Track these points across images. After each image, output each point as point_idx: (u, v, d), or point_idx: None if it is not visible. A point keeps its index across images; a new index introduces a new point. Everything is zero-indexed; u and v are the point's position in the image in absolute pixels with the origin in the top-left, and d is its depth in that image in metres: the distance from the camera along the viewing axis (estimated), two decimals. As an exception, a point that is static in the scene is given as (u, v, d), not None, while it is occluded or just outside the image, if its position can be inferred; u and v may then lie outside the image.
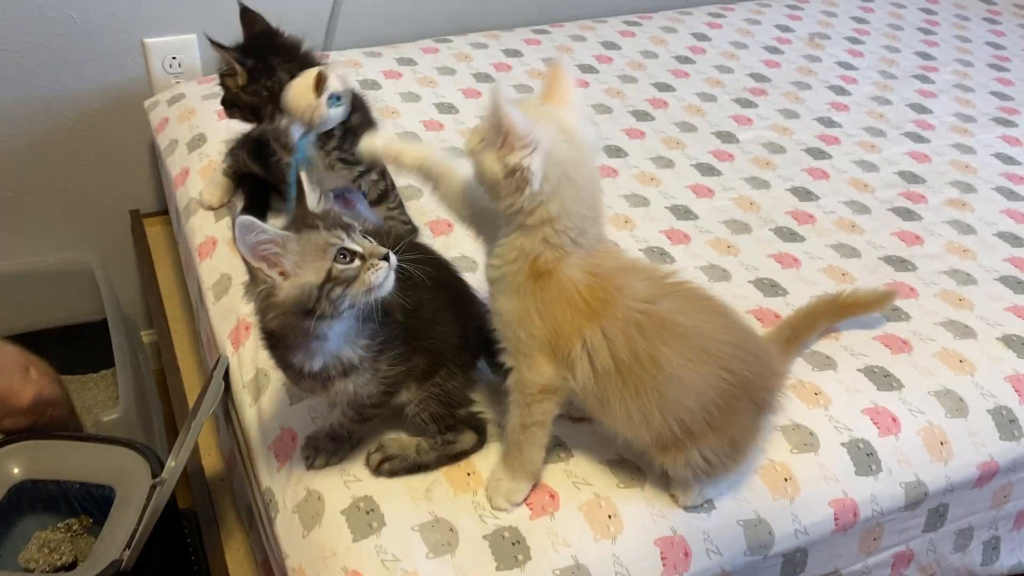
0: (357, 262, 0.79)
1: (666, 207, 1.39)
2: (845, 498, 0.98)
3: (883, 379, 1.08)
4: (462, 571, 0.86)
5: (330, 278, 0.78)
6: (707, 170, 1.49)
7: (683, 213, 1.38)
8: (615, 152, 1.53)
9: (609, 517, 0.91)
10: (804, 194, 1.44)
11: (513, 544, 0.88)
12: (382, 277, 0.80)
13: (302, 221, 0.82)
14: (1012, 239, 1.36)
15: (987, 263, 1.30)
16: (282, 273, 0.78)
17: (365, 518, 0.90)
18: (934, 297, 1.22)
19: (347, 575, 0.86)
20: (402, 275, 0.84)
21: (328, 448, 0.96)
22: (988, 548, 1.15)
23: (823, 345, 1.13)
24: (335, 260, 0.78)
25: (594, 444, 0.97)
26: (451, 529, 0.89)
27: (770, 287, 1.23)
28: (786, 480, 0.98)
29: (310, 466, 0.95)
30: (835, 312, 1.14)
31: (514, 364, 0.87)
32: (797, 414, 1.03)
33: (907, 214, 1.41)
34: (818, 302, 1.14)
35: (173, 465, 1.05)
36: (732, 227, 1.35)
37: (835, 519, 0.98)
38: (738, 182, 1.46)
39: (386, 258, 0.81)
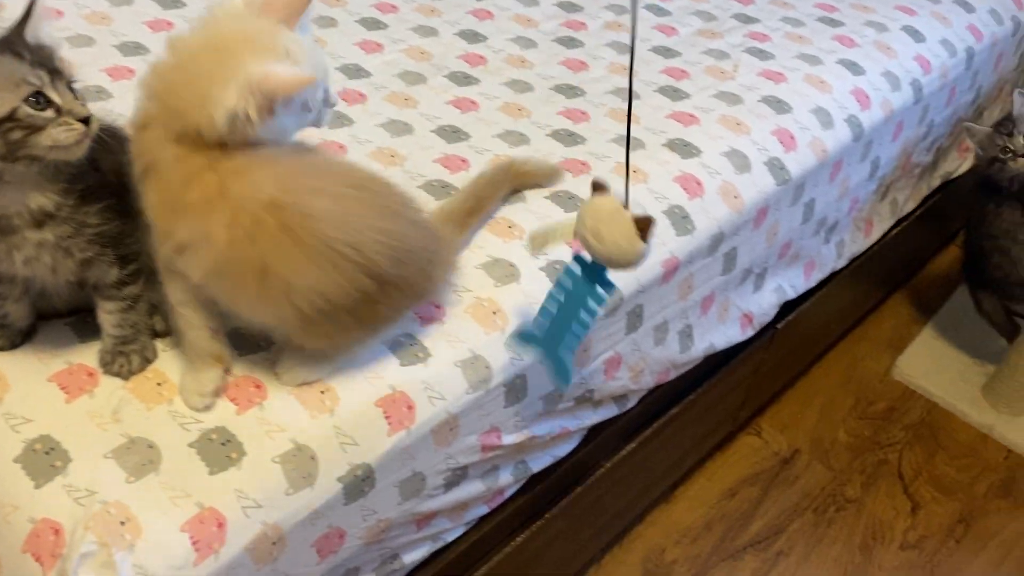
0: (51, 113, 0.70)
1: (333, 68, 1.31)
2: (551, 319, 1.02)
3: (568, 201, 1.12)
4: (171, 486, 0.79)
5: (12, 118, 0.69)
6: (372, 24, 1.42)
7: (354, 72, 1.31)
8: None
9: (322, 392, 0.88)
10: (472, 36, 1.43)
11: (223, 444, 0.82)
12: (72, 140, 0.72)
13: (9, 44, 0.71)
14: (664, 51, 1.45)
15: (647, 77, 1.38)
16: None
17: (45, 459, 0.78)
18: (604, 117, 1.27)
19: (36, 526, 0.75)
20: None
21: None
22: (683, 337, 1.26)
23: (511, 180, 1.14)
24: (26, 101, 0.69)
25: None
26: (150, 446, 0.81)
27: (452, 133, 1.21)
28: (495, 313, 0.99)
29: None
30: (511, 182, 1.10)
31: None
32: (494, 249, 1.04)
33: (571, 42, 1.45)
34: (495, 172, 1.08)
35: None
36: (407, 79, 1.31)
37: (545, 340, 1.01)
38: (406, 33, 1.41)
39: (86, 121, 0.72)
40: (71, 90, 0.74)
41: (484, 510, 1.13)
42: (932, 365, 2.04)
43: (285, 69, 0.75)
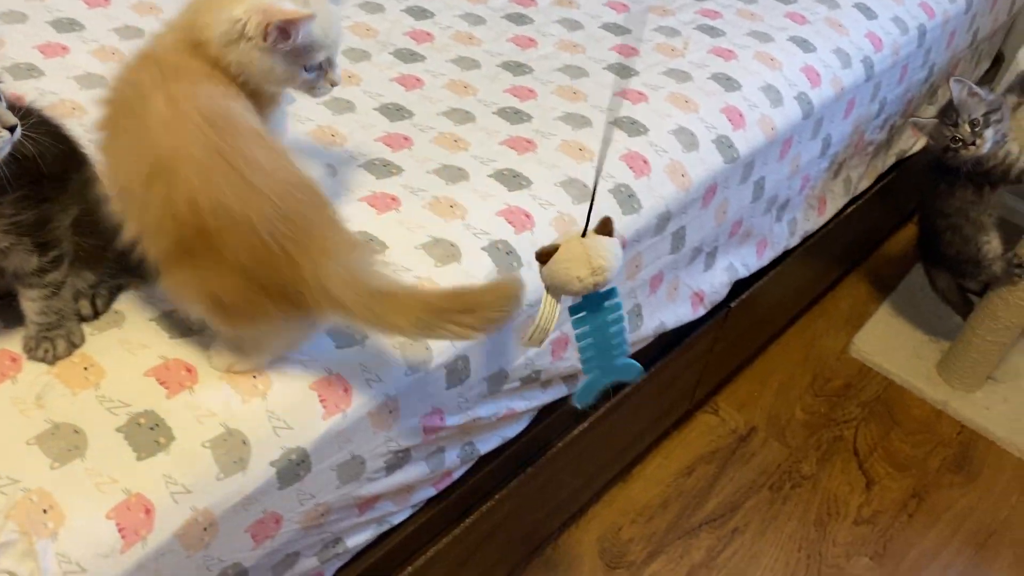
0: None
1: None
2: (493, 299, 1.01)
3: (513, 180, 1.11)
4: (97, 472, 0.77)
5: None
6: (318, 1, 1.39)
7: (297, 49, 1.28)
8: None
9: (255, 377, 0.86)
10: (419, 13, 1.40)
11: (152, 429, 0.80)
12: None
13: None
14: (615, 28, 1.43)
15: (596, 54, 1.36)
16: None
17: (-38, 448, 0.77)
18: (551, 95, 1.26)
19: (-46, 516, 0.74)
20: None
21: None
22: (632, 316, 1.26)
23: (455, 158, 1.12)
24: None
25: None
26: (76, 431, 0.79)
27: (395, 111, 1.19)
28: (434, 295, 0.97)
29: None
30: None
31: None
32: (435, 229, 1.03)
33: (520, 19, 1.43)
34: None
35: None
36: (351, 55, 1.28)
37: (487, 321, 1.00)
38: (352, 9, 1.39)
39: (11, 129, 0.72)
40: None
41: (431, 492, 1.12)
42: (888, 342, 2.06)
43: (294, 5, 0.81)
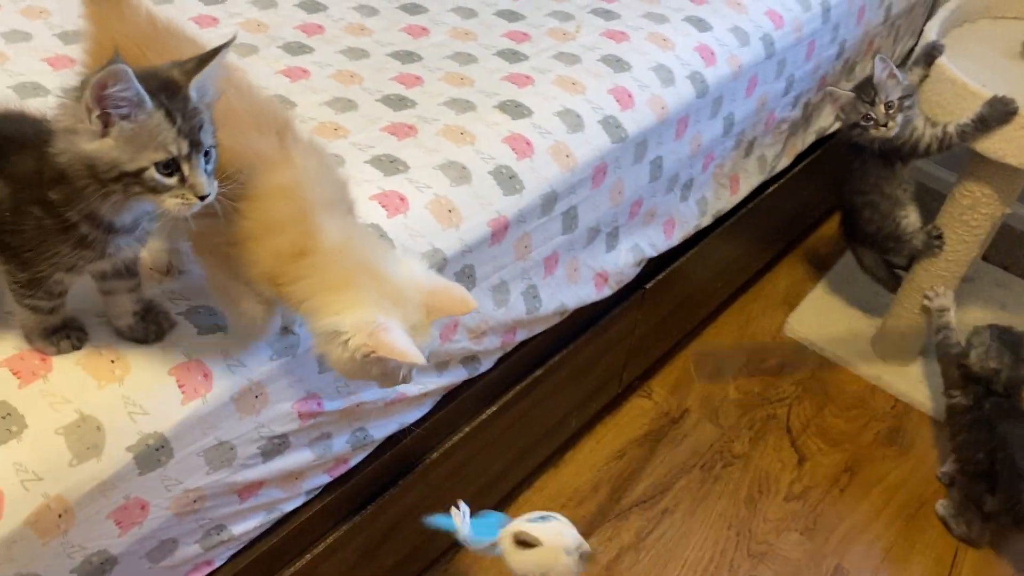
0: (175, 181, 0.72)
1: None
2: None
3: (390, 164, 1.11)
4: (-60, 462, 0.78)
5: (138, 177, 0.71)
6: (209, -1, 1.41)
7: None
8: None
9: (112, 362, 0.87)
10: (312, 6, 1.41)
11: (3, 418, 0.81)
12: (182, 214, 0.74)
13: (169, 97, 0.71)
14: (509, 15, 1.44)
15: (487, 41, 1.37)
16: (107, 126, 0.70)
17: None
18: (438, 81, 1.27)
19: None
20: None
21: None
22: (529, 297, 1.27)
23: (335, 147, 1.13)
24: (157, 165, 0.71)
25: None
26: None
27: (279, 103, 1.20)
28: (301, 279, 0.98)
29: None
30: None
31: None
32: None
33: (414, 8, 1.44)
34: None
35: None
36: (239, 51, 1.29)
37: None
38: (244, 6, 1.39)
39: (202, 197, 0.74)
40: (207, 157, 0.74)
41: (325, 479, 1.12)
42: (823, 321, 2.08)
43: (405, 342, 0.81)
